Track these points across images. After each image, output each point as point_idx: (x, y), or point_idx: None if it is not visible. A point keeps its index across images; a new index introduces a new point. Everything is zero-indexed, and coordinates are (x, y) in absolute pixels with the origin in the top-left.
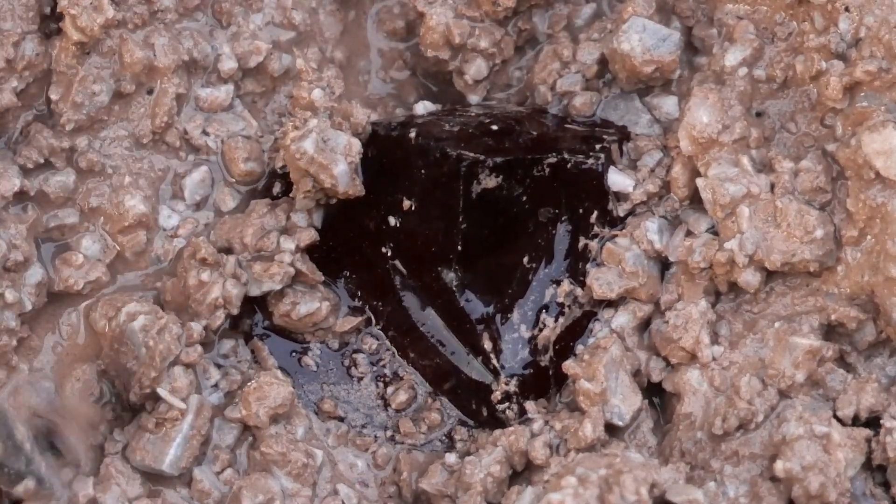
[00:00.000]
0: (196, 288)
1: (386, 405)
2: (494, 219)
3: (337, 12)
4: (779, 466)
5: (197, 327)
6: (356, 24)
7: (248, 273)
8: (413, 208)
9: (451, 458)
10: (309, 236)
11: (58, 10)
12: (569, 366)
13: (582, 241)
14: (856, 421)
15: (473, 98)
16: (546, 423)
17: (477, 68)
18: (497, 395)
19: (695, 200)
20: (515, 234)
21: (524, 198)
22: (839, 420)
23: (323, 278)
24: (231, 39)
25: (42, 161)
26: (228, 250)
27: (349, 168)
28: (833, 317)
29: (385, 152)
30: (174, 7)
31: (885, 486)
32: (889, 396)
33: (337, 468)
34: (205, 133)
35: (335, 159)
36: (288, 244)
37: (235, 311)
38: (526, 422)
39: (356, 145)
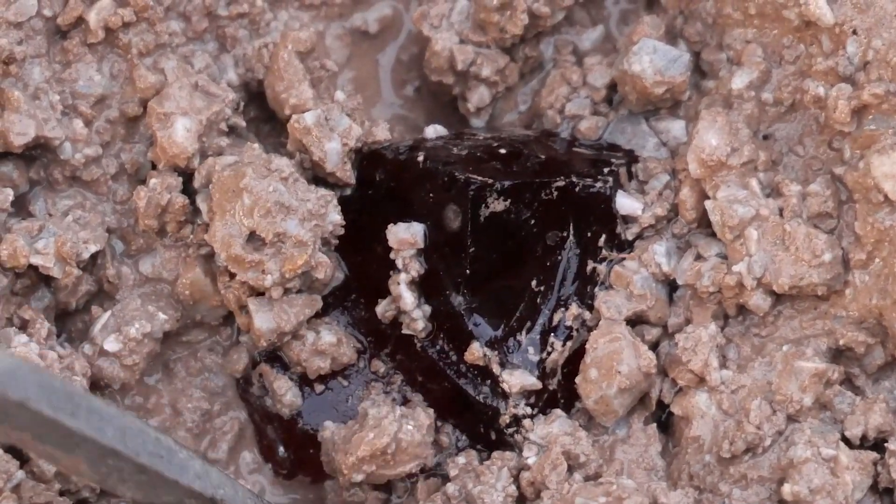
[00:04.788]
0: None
1: None
2: (503, 242)
3: (344, 36)
4: (787, 489)
5: None
6: (364, 47)
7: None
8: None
9: (451, 487)
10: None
11: None
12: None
13: (590, 265)
14: (864, 441)
15: (477, 123)
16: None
17: (479, 96)
18: (505, 419)
19: (703, 224)
20: (523, 257)
21: (532, 221)
22: (847, 441)
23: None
24: (236, 64)
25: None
26: None
27: (342, 149)
28: (841, 342)
29: (393, 176)
30: (182, 31)
31: None
32: None
33: None
34: None
35: (331, 136)
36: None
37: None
38: (533, 445)
39: (357, 131)
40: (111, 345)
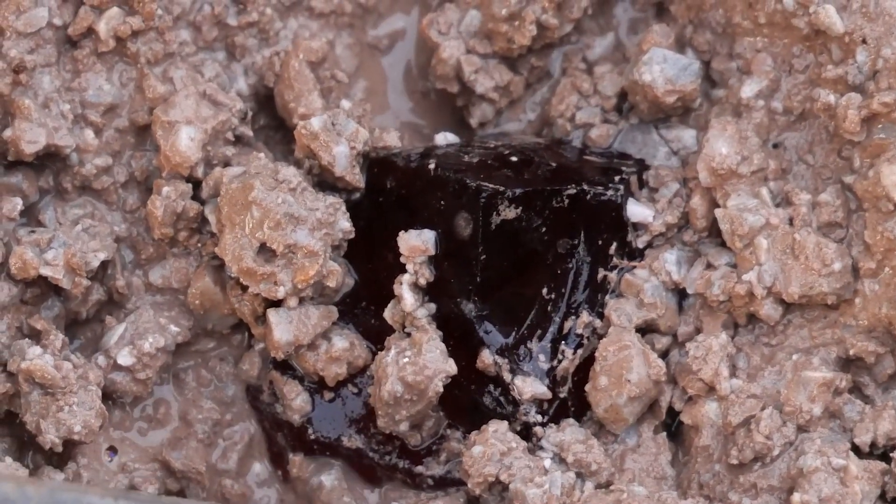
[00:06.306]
0: None
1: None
2: (513, 250)
3: (354, 45)
4: (796, 499)
5: None
6: (374, 56)
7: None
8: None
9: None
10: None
11: None
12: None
13: (601, 273)
14: (873, 448)
15: (482, 132)
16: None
17: (482, 111)
18: (515, 427)
19: (713, 232)
20: (534, 265)
21: (543, 229)
22: (857, 448)
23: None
24: (246, 73)
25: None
26: None
27: (350, 153)
28: (851, 351)
29: (404, 183)
30: (191, 40)
31: None
32: None
33: None
34: None
35: (338, 140)
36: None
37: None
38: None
39: (363, 134)
40: (125, 359)
